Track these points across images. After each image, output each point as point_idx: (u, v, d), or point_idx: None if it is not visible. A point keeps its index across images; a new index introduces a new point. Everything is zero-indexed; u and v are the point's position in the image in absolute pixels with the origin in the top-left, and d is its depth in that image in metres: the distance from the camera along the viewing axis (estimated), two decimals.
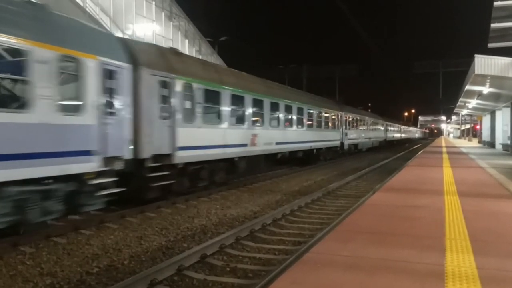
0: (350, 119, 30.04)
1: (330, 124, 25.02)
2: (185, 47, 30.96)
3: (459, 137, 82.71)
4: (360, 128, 34.15)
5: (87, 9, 21.12)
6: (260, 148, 15.07)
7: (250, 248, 7.03)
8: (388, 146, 50.53)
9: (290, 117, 18.45)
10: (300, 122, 19.68)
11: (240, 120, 14.01)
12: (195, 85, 11.34)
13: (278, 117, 17.12)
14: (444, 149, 31.16)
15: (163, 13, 28.87)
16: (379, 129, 45.21)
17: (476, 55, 16.78)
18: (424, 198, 7.99)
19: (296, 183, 15.41)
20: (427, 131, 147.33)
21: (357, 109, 37.00)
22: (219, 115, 12.71)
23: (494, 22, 15.59)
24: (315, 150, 21.85)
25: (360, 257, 4.30)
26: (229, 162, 13.29)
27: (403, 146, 56.91)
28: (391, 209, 6.95)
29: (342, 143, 27.35)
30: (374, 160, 27.25)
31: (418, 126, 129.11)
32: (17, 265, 6.02)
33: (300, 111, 19.56)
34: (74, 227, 7.88)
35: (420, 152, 29.20)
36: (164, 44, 25.51)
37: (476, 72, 16.75)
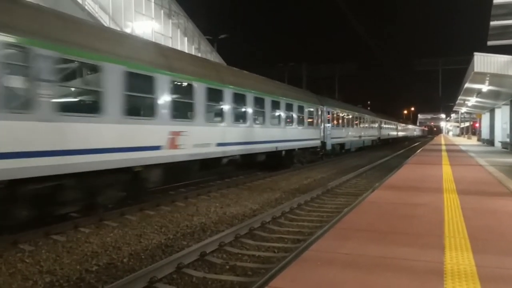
0: (335, 115, 26.07)
1: (306, 120, 20.26)
2: (184, 45, 30.93)
3: (458, 135, 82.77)
4: (348, 125, 29.86)
5: (86, 7, 21.08)
6: (187, 151, 10.70)
7: (249, 246, 7.04)
8: (384, 145, 47.75)
9: (242, 110, 14.06)
10: (259, 117, 15.39)
11: (147, 111, 9.67)
12: (35, 50, 6.82)
13: (221, 109, 12.76)
14: (443, 147, 31.18)
15: (162, 11, 28.82)
16: (372, 126, 40.53)
17: (475, 53, 16.77)
18: (423, 196, 7.99)
19: (295, 181, 15.42)
20: (426, 129, 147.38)
21: (344, 104, 32.73)
22: (98, 102, 8.14)
23: (493, 20, 15.55)
24: (283, 152, 17.54)
25: (360, 255, 4.31)
26: (128, 174, 9.07)
27: (402, 144, 56.79)
28: (390, 207, 6.95)
29: (323, 143, 23.27)
30: (374, 158, 27.28)
31: (418, 124, 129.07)
32: (16, 263, 6.02)
33: (259, 103, 15.17)
34: (73, 225, 7.89)
35: (419, 150, 29.22)
36: (163, 42, 25.49)
37: (476, 70, 16.75)
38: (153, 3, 27.43)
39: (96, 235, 7.53)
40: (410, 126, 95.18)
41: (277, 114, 17.05)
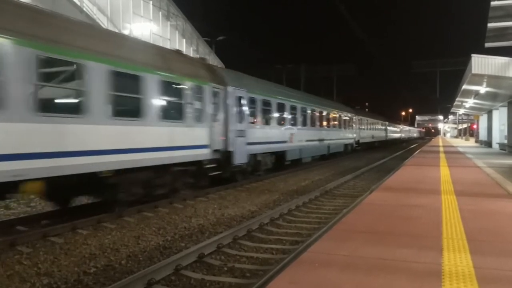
0: (258, 104, 15.44)
1: (162, 110, 10.11)
2: (182, 47, 30.94)
3: (456, 137, 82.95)
4: (295, 123, 19.38)
5: (84, 9, 21.08)
6: None
7: (247, 247, 7.03)
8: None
9: None
10: None
11: None
12: None
13: None
14: (441, 149, 31.25)
15: (160, 13, 28.83)
16: (346, 126, 30.20)
17: (473, 55, 16.83)
18: (421, 198, 8.01)
19: (293, 182, 15.42)
20: (423, 130, 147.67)
21: (281, 88, 20.91)
22: None
23: (491, 22, 15.63)
24: (61, 180, 7.47)
25: (358, 256, 4.31)
26: None
27: (400, 146, 56.69)
28: (388, 209, 6.96)
29: (226, 153, 13.01)
30: (372, 159, 27.31)
31: (416, 126, 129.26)
32: (14, 265, 6.00)
33: None
34: (71, 227, 7.87)
35: (417, 152, 29.28)
36: (161, 43, 25.50)
37: (473, 71, 16.80)
38: (151, 5, 27.43)
39: (94, 237, 7.51)
40: (405, 127, 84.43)
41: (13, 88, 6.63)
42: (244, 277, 5.61)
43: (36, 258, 6.30)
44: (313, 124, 22.12)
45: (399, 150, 42.88)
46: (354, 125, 32.75)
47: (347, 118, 30.35)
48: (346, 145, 29.59)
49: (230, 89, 13.36)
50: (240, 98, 14.03)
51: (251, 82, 16.06)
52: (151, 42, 21.09)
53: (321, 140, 23.27)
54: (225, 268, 5.94)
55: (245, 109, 14.45)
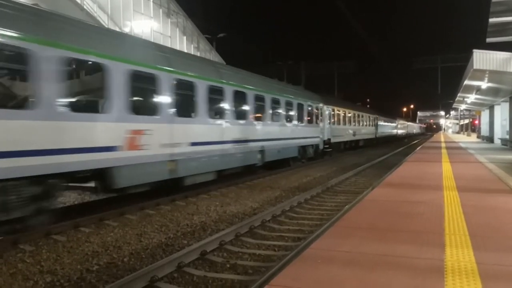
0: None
1: None
2: (183, 44, 30.91)
3: (457, 132, 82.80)
4: (159, 109, 9.68)
5: (84, 7, 21.04)
6: None
7: (250, 244, 7.04)
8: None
9: None
10: None
11: None
12: None
13: None
14: (443, 144, 31.18)
15: (161, 10, 28.76)
16: (306, 119, 20.37)
17: (474, 50, 16.79)
18: (423, 194, 7.99)
19: (295, 179, 15.42)
20: (425, 126, 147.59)
21: (122, 37, 10.99)
22: None
23: (492, 17, 15.56)
24: None
25: (360, 253, 4.31)
26: None
27: (401, 142, 56.48)
28: (390, 205, 6.95)
29: None
30: (373, 156, 27.29)
31: (417, 121, 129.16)
32: (17, 263, 6.02)
33: None
34: (73, 225, 7.89)
35: (419, 148, 29.23)
36: (162, 41, 25.46)
37: (475, 67, 16.77)
38: (151, 2, 27.36)
39: (96, 234, 7.53)
40: (403, 122, 73.01)
41: None
42: (247, 274, 5.62)
43: (39, 256, 6.32)
44: (218, 113, 12.92)
45: (401, 146, 42.86)
46: (321, 118, 23.29)
47: (308, 107, 20.72)
48: (304, 147, 20.21)
49: None
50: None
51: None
52: (152, 39, 21.06)
53: (243, 141, 13.77)
54: (228, 265, 5.95)
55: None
